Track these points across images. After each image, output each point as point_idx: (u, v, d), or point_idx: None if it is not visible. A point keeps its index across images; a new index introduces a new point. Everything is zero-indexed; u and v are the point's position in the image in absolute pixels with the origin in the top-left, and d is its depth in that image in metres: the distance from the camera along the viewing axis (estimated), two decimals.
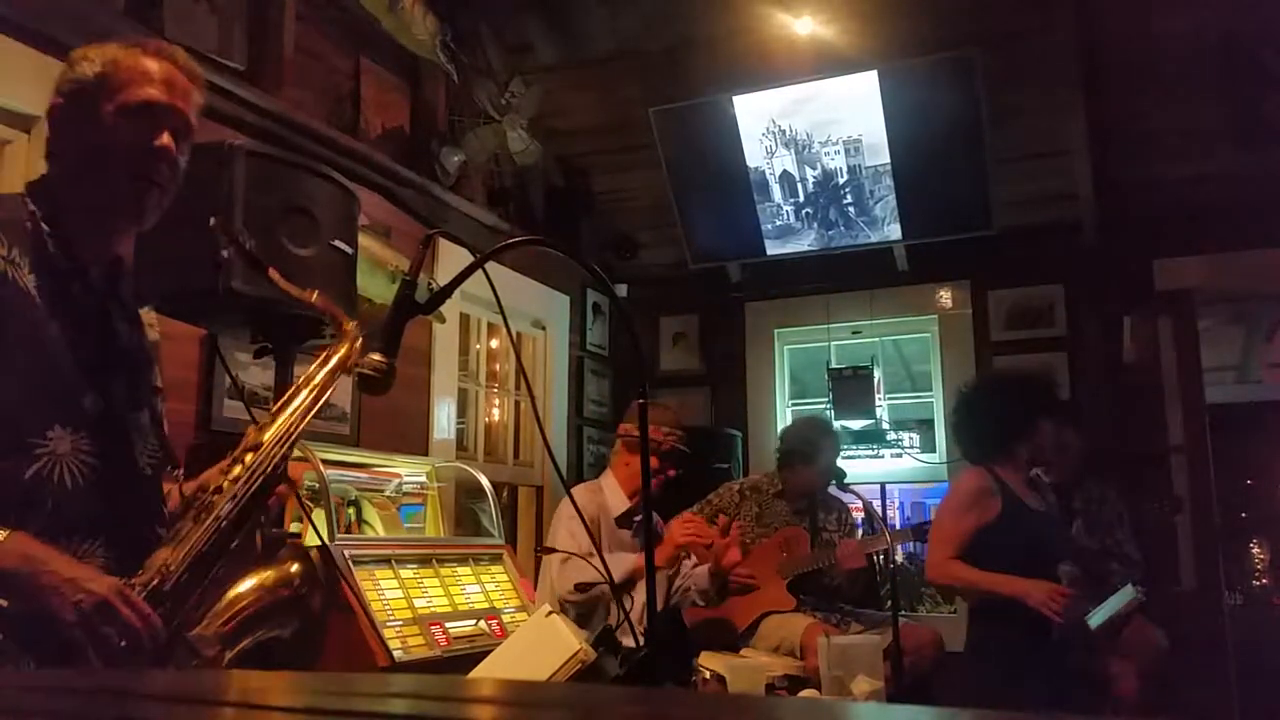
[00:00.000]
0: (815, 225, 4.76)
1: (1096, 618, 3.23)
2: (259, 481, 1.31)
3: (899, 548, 3.67)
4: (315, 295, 1.45)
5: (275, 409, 1.40)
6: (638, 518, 3.19)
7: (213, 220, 1.47)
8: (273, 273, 1.44)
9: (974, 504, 2.86)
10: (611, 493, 3.20)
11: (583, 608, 2.85)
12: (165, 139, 1.37)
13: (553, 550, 2.91)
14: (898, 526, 5.51)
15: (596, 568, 2.74)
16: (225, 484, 1.30)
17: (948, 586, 2.82)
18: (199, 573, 1.26)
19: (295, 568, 1.36)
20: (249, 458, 1.33)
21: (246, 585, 1.32)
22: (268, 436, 1.34)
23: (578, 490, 3.22)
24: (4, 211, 1.35)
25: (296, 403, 1.39)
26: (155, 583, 1.23)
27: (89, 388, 1.34)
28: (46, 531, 1.24)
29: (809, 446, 3.61)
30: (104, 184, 1.37)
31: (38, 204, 1.36)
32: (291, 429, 1.36)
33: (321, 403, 1.40)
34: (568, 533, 2.92)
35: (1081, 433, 4.01)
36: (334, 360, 1.42)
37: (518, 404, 4.72)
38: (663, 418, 3.20)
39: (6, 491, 1.25)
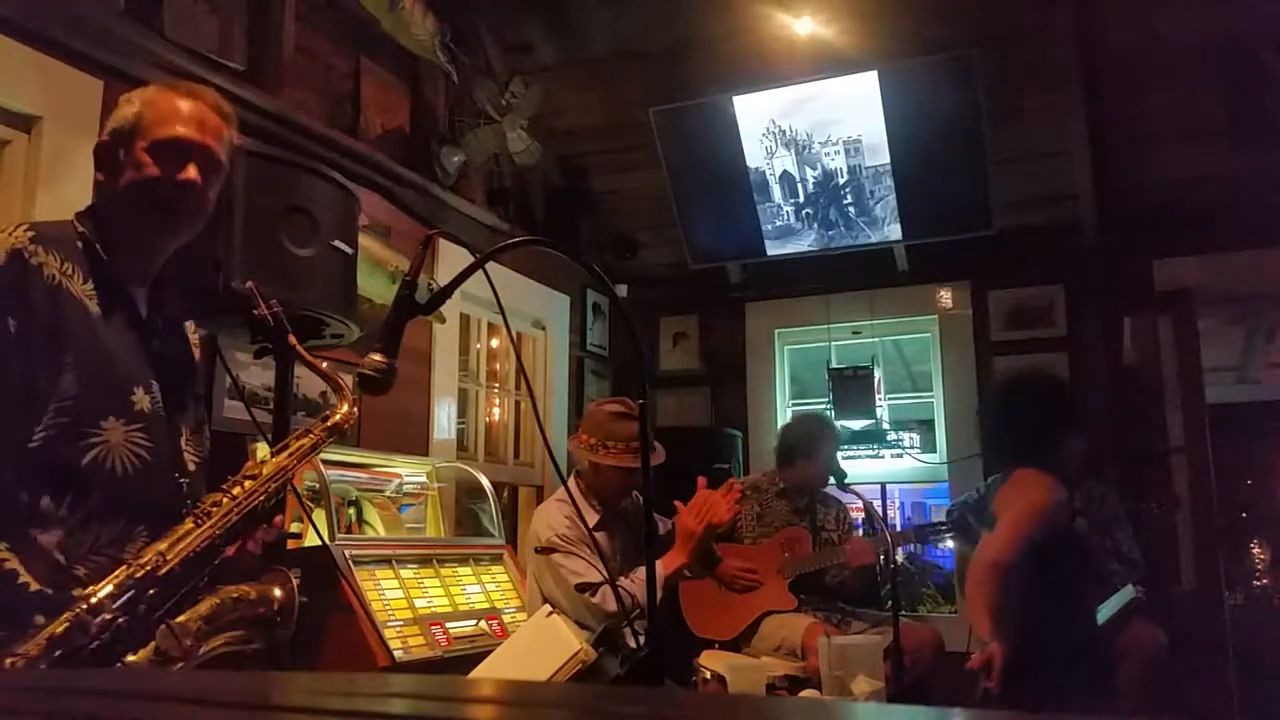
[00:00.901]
0: (815, 225, 4.76)
1: (1101, 615, 3.24)
2: (250, 507, 1.44)
3: (898, 547, 3.66)
4: (325, 365, 1.61)
5: (278, 447, 1.53)
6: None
7: (249, 283, 1.58)
8: (291, 339, 1.58)
9: (1057, 514, 2.65)
10: (580, 502, 3.06)
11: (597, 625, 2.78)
12: (190, 172, 1.49)
13: (553, 550, 2.88)
14: (898, 527, 5.52)
15: (600, 570, 2.74)
16: (224, 500, 1.42)
17: (980, 587, 2.68)
18: (186, 571, 1.37)
19: (277, 592, 1.46)
20: (247, 484, 1.45)
21: (226, 592, 1.42)
22: (265, 470, 1.47)
23: (549, 507, 2.96)
24: (54, 231, 1.48)
25: (295, 446, 1.52)
26: (148, 569, 1.33)
27: (138, 386, 1.48)
28: (97, 514, 1.39)
29: (809, 441, 3.60)
30: (138, 213, 1.50)
31: (85, 227, 1.50)
32: (285, 470, 1.49)
33: (315, 453, 1.55)
34: (564, 542, 2.83)
35: (1082, 436, 4.02)
36: (334, 419, 1.57)
37: (518, 404, 4.72)
38: (622, 431, 2.78)
39: (67, 476, 1.38)
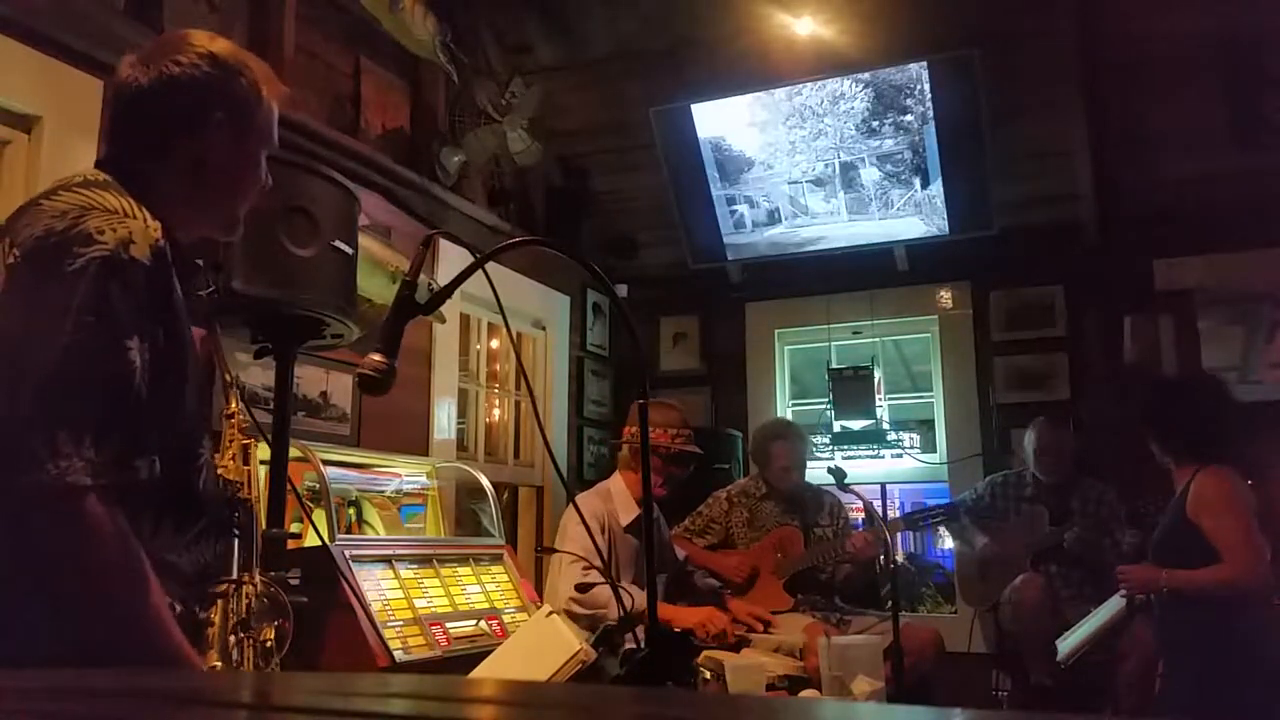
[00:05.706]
0: (816, 225, 4.76)
1: (1094, 621, 3.25)
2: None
3: (899, 547, 3.67)
4: None
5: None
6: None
7: None
8: None
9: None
10: (619, 498, 3.16)
11: (585, 620, 2.81)
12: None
13: (553, 550, 2.91)
14: None
15: (603, 576, 2.74)
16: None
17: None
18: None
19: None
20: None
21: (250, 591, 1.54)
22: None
23: (586, 496, 3.18)
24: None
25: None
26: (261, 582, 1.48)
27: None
28: (204, 536, 1.32)
29: (758, 449, 3.79)
30: (218, 212, 1.43)
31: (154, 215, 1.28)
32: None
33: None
34: (575, 542, 2.88)
35: (1075, 434, 4.04)
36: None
37: (518, 404, 4.72)
38: (667, 418, 3.15)
39: (186, 499, 1.29)
